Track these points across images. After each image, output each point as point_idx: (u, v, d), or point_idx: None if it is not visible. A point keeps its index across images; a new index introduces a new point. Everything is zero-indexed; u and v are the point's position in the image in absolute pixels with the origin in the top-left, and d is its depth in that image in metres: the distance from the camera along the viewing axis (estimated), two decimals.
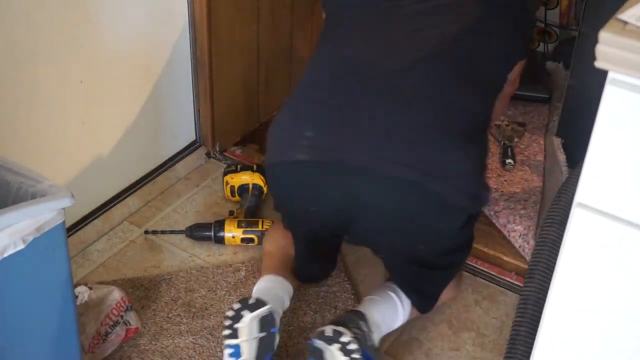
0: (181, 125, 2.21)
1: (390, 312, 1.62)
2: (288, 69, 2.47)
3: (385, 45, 1.53)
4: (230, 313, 1.50)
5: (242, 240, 1.94)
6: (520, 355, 1.24)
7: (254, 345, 1.51)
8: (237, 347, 1.50)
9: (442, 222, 1.49)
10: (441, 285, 1.69)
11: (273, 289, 1.63)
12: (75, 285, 1.59)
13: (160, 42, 2.00)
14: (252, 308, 1.50)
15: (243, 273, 1.87)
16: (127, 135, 2.01)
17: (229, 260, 1.93)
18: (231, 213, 2.02)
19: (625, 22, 0.82)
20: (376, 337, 1.57)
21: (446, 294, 1.73)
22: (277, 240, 1.78)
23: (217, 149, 2.27)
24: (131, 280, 1.83)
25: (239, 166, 2.10)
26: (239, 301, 1.51)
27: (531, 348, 1.11)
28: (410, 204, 1.45)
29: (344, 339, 1.46)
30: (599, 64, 0.83)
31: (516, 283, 1.86)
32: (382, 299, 1.62)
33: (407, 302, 1.64)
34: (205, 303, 1.78)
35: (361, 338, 1.50)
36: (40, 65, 1.67)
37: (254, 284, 1.82)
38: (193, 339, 1.69)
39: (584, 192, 0.91)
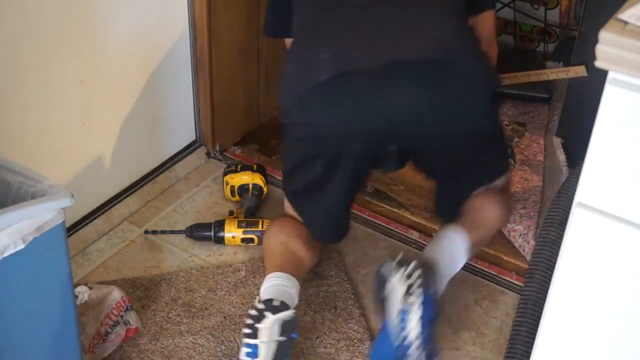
0: (181, 125, 2.21)
1: (451, 251, 1.63)
2: None
3: None
4: (252, 312, 1.49)
5: (242, 240, 1.94)
6: (521, 355, 1.24)
7: (272, 348, 1.49)
8: (255, 347, 1.48)
9: (473, 93, 1.57)
10: (501, 152, 1.79)
11: (284, 288, 1.61)
12: (75, 285, 1.59)
13: (160, 42, 2.00)
14: (276, 310, 1.48)
15: (243, 273, 1.87)
16: (127, 135, 2.01)
17: (229, 260, 1.93)
18: (231, 213, 2.02)
19: (625, 22, 0.82)
20: (443, 286, 1.59)
21: (505, 211, 1.76)
22: (277, 235, 1.74)
23: (217, 149, 2.27)
24: (131, 280, 1.83)
25: (239, 166, 2.10)
26: (263, 301, 1.50)
27: (531, 348, 1.11)
28: (444, 82, 1.53)
29: (408, 269, 1.47)
30: (599, 63, 0.83)
31: (516, 283, 1.86)
32: (443, 242, 1.64)
33: (464, 236, 1.65)
34: (205, 303, 1.78)
35: (426, 280, 1.49)
36: (40, 65, 1.67)
37: (254, 284, 1.83)
38: (193, 339, 1.69)
39: (584, 192, 0.91)
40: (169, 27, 2.01)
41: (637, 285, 0.93)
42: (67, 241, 1.31)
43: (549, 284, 1.03)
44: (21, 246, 1.21)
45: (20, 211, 1.20)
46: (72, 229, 1.90)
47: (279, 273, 1.64)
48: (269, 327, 1.47)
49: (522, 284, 1.51)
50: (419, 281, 1.46)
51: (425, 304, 1.47)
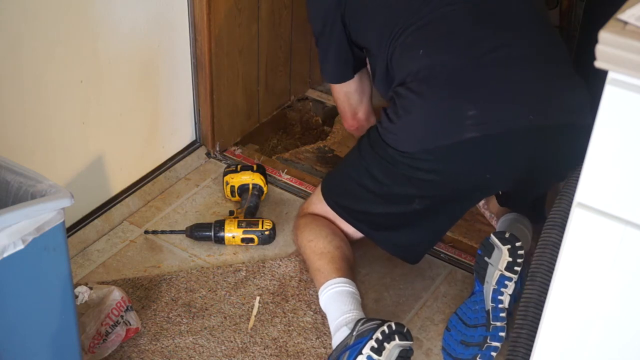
0: (181, 125, 2.21)
1: (525, 241, 1.77)
2: (288, 69, 2.47)
3: (474, 25, 1.64)
4: (386, 329, 1.53)
5: (242, 240, 1.94)
6: (522, 357, 1.24)
7: None
8: None
9: (584, 143, 1.64)
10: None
11: (358, 297, 1.69)
12: (75, 285, 1.59)
13: (160, 42, 2.00)
14: (402, 337, 1.53)
15: (243, 273, 1.87)
16: (127, 135, 2.01)
17: (229, 260, 1.93)
18: (231, 213, 2.02)
19: (625, 22, 0.82)
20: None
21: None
22: (332, 240, 1.78)
23: (217, 149, 2.27)
24: (131, 280, 1.83)
25: (239, 166, 2.10)
26: (397, 323, 1.54)
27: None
28: (573, 141, 1.60)
29: (518, 244, 1.62)
30: (599, 64, 0.83)
31: None
32: (520, 235, 1.74)
33: (529, 223, 1.83)
34: (205, 303, 1.78)
35: (525, 261, 1.64)
36: (40, 65, 1.67)
37: (254, 284, 1.83)
38: (193, 339, 1.69)
39: (583, 192, 0.91)
40: (169, 27, 2.01)
41: (636, 285, 0.93)
42: (67, 241, 1.31)
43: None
44: (21, 246, 1.21)
45: (20, 211, 1.20)
46: (72, 229, 1.90)
47: (349, 280, 1.71)
48: (391, 350, 1.53)
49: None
50: (522, 260, 1.62)
51: (518, 282, 1.64)
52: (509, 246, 1.62)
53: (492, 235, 1.65)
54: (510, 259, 1.61)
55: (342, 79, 1.90)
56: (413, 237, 1.76)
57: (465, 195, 1.71)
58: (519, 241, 1.62)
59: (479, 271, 1.68)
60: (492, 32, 1.63)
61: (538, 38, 1.66)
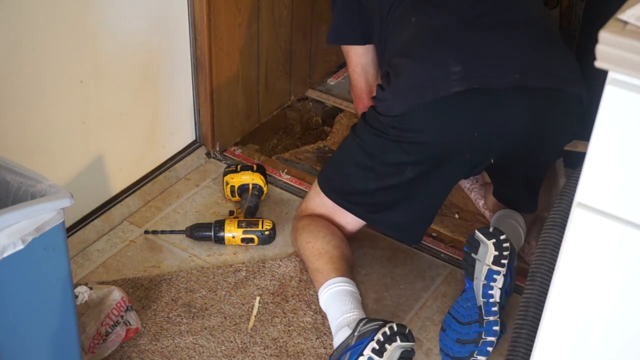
0: (181, 125, 2.21)
1: (517, 237, 1.81)
2: (288, 69, 2.47)
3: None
4: (387, 330, 1.53)
5: (242, 240, 1.94)
6: (522, 357, 1.24)
7: None
8: None
9: (576, 114, 1.67)
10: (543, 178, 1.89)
11: (358, 296, 1.70)
12: (75, 285, 1.59)
13: (160, 42, 2.00)
14: (404, 338, 1.53)
15: (243, 273, 1.87)
16: (127, 135, 2.01)
17: (229, 260, 1.93)
18: (231, 213, 2.02)
19: (625, 22, 0.82)
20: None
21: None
22: (331, 240, 1.78)
23: (217, 149, 2.27)
24: (131, 280, 1.83)
25: (239, 166, 2.10)
26: (399, 325, 1.54)
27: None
28: (565, 110, 1.66)
29: (502, 237, 1.64)
30: (599, 64, 0.82)
31: (517, 283, 1.86)
32: (510, 230, 1.77)
33: (521, 219, 1.84)
34: (205, 303, 1.78)
35: (513, 253, 1.68)
36: (40, 65, 1.67)
37: (254, 284, 1.83)
38: (193, 339, 1.69)
39: (584, 191, 0.91)
40: (169, 27, 2.01)
41: (636, 285, 0.92)
42: (67, 241, 1.31)
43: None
44: (21, 246, 1.21)
45: (20, 211, 1.20)
46: (72, 229, 1.90)
47: (349, 280, 1.72)
48: (392, 351, 1.53)
49: (522, 285, 1.51)
50: (508, 253, 1.64)
51: (507, 275, 1.66)
52: (493, 240, 1.63)
53: (476, 232, 1.66)
54: (497, 253, 1.63)
55: (350, 40, 1.95)
56: (410, 214, 1.76)
57: (456, 159, 1.68)
58: (503, 234, 1.64)
59: (467, 268, 1.69)
60: (485, 4, 1.68)
61: (533, 12, 1.71)
